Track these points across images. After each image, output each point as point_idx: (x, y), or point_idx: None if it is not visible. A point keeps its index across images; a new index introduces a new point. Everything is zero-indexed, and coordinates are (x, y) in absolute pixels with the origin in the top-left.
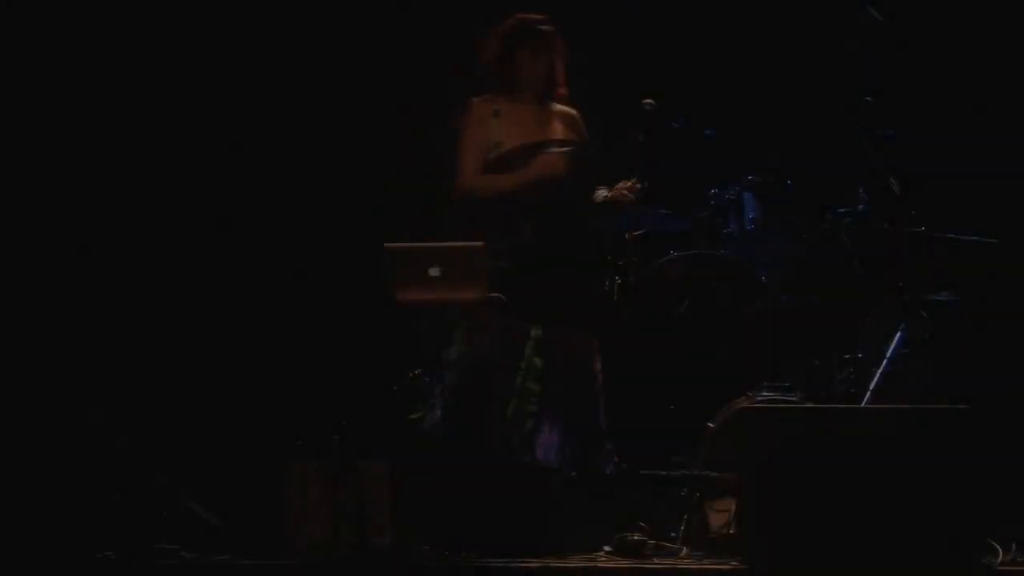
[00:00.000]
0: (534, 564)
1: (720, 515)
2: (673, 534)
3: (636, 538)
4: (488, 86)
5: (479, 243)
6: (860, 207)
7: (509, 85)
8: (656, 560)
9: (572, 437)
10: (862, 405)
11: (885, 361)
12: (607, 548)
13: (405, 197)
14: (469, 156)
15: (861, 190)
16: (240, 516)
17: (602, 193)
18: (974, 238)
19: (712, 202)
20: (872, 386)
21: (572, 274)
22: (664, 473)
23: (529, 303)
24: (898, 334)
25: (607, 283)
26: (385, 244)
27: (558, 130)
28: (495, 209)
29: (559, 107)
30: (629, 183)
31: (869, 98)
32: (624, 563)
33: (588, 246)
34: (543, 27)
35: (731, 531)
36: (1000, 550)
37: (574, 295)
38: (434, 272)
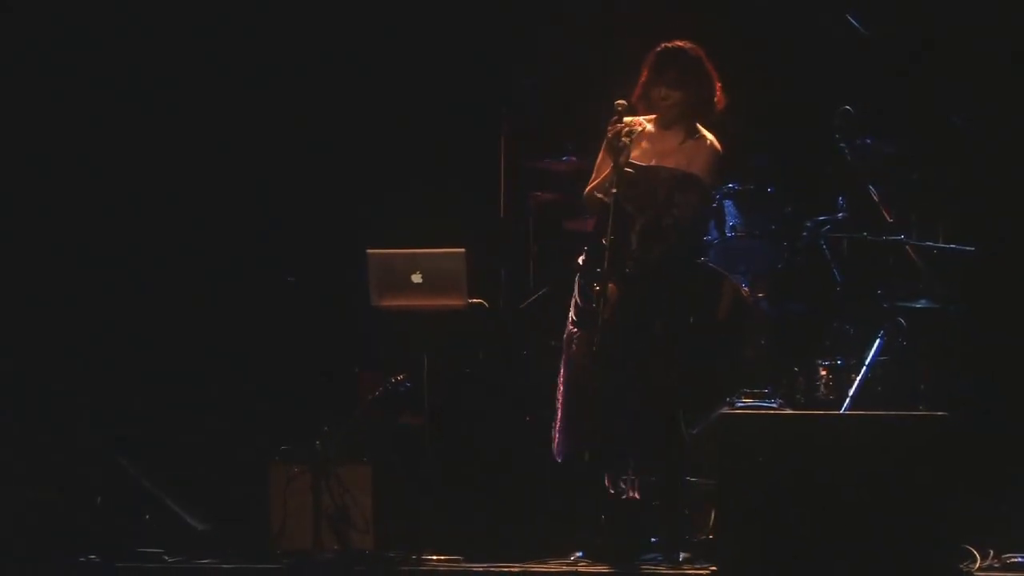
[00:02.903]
0: (515, 568)
1: (700, 520)
2: (653, 539)
3: (617, 544)
4: (640, 111)
5: (460, 249)
6: (839, 215)
7: (647, 111)
8: (635, 564)
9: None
10: (841, 412)
11: (864, 368)
12: (579, 554)
13: (390, 203)
14: (596, 172)
15: (840, 199)
16: (224, 519)
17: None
18: (952, 246)
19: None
20: (851, 393)
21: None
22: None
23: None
24: (877, 341)
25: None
26: (368, 249)
27: (670, 158)
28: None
29: (695, 136)
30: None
31: (848, 107)
32: (603, 567)
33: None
34: (674, 59)
35: (711, 536)
36: (978, 556)
37: (651, 315)
38: (416, 278)
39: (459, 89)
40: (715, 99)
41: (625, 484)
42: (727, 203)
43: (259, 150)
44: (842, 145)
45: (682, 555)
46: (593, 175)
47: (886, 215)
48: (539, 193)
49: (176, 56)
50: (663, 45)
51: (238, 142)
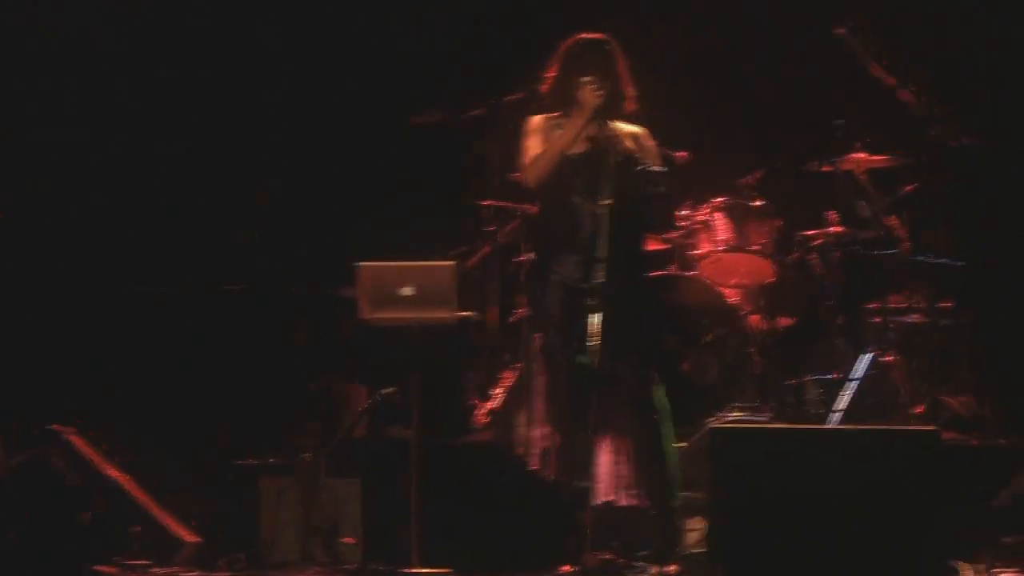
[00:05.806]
0: None
1: (692, 533)
2: (643, 552)
3: (605, 557)
4: (550, 108)
5: (451, 262)
6: (830, 229)
7: (569, 106)
8: None
9: (636, 469)
10: (831, 426)
11: (854, 382)
12: (567, 568)
13: (382, 215)
14: (532, 149)
15: (831, 212)
16: (213, 532)
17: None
18: (943, 260)
19: (683, 223)
20: (841, 407)
21: (633, 306)
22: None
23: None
24: (867, 356)
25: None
26: (358, 262)
27: (622, 147)
28: (563, 229)
29: (624, 126)
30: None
31: (840, 121)
32: None
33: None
34: (599, 47)
35: (702, 549)
36: (971, 570)
37: (634, 327)
38: (406, 291)
39: (447, 102)
40: (630, 93)
41: (620, 498)
42: (718, 216)
43: (254, 162)
44: (833, 159)
45: (672, 568)
46: (530, 150)
47: (877, 229)
48: (529, 206)
49: (174, 64)
50: (584, 36)
51: (234, 155)
